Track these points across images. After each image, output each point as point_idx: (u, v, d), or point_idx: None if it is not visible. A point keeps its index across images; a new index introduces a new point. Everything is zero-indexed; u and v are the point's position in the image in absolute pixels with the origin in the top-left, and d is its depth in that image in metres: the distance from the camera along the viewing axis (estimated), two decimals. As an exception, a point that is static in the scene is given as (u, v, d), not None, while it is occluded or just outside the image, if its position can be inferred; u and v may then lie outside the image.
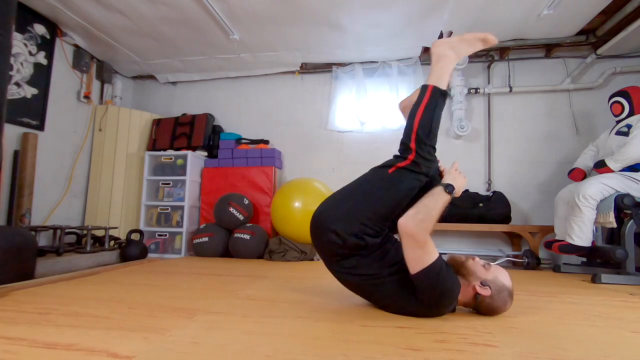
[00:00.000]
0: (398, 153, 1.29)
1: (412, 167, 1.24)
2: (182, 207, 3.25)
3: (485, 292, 1.17)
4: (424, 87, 1.29)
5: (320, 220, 1.26)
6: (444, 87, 1.28)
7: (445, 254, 3.07)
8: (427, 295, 1.12)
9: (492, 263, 1.26)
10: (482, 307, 1.21)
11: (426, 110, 1.25)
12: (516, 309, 1.39)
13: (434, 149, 1.27)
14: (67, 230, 2.67)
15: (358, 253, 1.22)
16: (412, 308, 1.19)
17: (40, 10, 2.78)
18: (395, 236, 1.26)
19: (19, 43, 2.70)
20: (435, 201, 1.16)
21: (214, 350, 0.87)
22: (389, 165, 1.28)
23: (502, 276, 1.22)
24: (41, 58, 2.90)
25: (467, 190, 3.13)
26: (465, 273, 1.21)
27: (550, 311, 1.37)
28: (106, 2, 2.59)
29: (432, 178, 1.30)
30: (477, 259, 1.27)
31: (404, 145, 1.27)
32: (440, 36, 3.05)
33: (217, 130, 3.63)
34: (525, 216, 3.22)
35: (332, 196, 1.34)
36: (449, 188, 1.19)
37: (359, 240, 1.19)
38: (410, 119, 1.28)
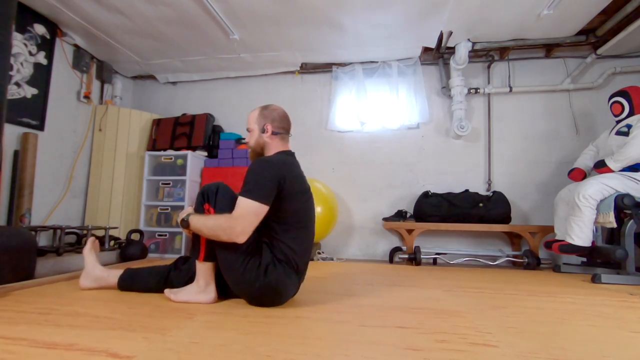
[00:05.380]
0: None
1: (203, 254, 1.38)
2: (182, 207, 3.25)
3: (269, 128, 1.43)
4: None
5: None
6: None
7: (445, 253, 3.07)
8: (252, 176, 1.29)
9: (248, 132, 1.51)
10: (284, 128, 1.45)
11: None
12: (516, 308, 1.39)
13: None
14: (67, 230, 2.66)
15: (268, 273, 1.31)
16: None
17: (40, 10, 2.78)
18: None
19: (19, 43, 2.70)
20: (201, 232, 1.29)
21: (214, 350, 0.87)
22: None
23: (252, 114, 1.48)
24: (41, 58, 2.89)
25: (467, 190, 3.13)
26: (262, 144, 1.44)
27: (550, 311, 1.37)
28: (106, 2, 2.59)
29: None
30: (248, 142, 1.50)
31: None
32: (440, 36, 3.06)
33: (217, 130, 3.63)
34: (525, 216, 3.22)
35: None
36: (184, 225, 1.31)
37: (265, 265, 1.30)
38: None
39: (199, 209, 1.37)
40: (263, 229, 1.31)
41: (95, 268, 1.57)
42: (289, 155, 1.43)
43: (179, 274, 1.50)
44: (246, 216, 1.23)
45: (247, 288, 1.29)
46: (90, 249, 1.60)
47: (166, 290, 1.43)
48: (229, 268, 1.30)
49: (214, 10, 2.63)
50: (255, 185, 1.26)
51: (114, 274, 1.55)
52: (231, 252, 1.27)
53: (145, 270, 1.57)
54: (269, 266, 1.27)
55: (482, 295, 1.66)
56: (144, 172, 3.35)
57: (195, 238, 1.36)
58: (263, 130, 1.43)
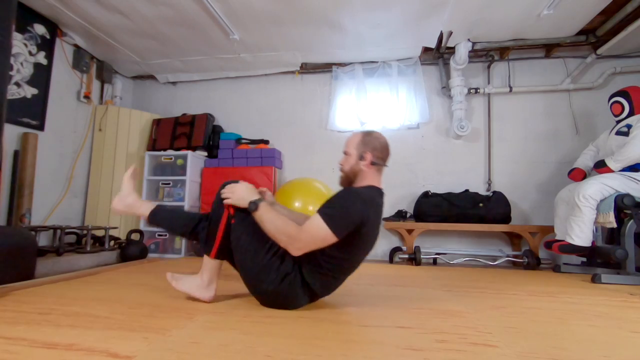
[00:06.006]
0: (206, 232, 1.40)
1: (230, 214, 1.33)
2: (182, 207, 3.25)
3: (368, 157, 1.32)
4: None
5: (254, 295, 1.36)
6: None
7: (445, 253, 3.06)
8: (349, 212, 1.19)
9: (344, 154, 1.41)
10: (384, 159, 1.36)
11: (162, 219, 1.51)
12: (516, 308, 1.39)
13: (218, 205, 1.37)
14: (67, 230, 2.67)
15: (288, 275, 1.26)
16: (364, 239, 1.25)
17: (40, 10, 2.78)
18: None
19: (19, 43, 2.70)
20: (268, 223, 1.21)
21: (214, 350, 0.87)
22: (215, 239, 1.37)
23: (351, 140, 1.38)
24: (41, 58, 2.90)
25: (467, 190, 3.13)
26: (357, 171, 1.34)
27: (550, 311, 1.37)
28: (106, 2, 2.59)
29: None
30: (342, 166, 1.41)
31: (204, 230, 1.41)
32: (440, 36, 3.06)
33: (217, 130, 3.63)
34: (525, 216, 3.22)
35: None
36: (252, 207, 1.24)
37: (277, 281, 1.25)
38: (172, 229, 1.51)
39: (219, 204, 1.34)
40: None
41: (130, 195, 1.54)
42: (379, 195, 1.33)
43: (207, 227, 1.42)
44: (314, 236, 1.17)
45: (258, 287, 1.28)
46: (131, 175, 1.57)
47: (168, 274, 1.42)
48: (246, 261, 1.27)
49: (214, 10, 2.63)
50: (338, 214, 1.18)
51: (146, 206, 1.53)
52: (253, 245, 1.25)
53: (179, 211, 1.56)
54: (288, 276, 1.24)
55: (482, 295, 1.66)
56: (144, 172, 3.35)
57: (211, 233, 1.34)
58: (361, 158, 1.33)
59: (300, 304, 1.32)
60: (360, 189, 1.28)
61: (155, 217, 1.51)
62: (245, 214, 1.28)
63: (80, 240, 2.86)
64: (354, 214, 1.18)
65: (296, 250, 1.19)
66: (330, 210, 1.19)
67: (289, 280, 1.25)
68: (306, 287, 1.28)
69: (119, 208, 1.54)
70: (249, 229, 1.28)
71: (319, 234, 1.17)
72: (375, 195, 1.29)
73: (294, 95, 3.74)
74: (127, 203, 1.53)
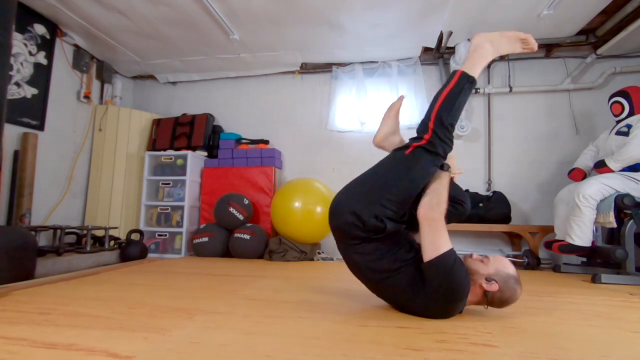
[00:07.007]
0: (416, 134, 1.29)
1: (428, 146, 1.23)
2: (182, 207, 3.25)
3: (492, 287, 1.16)
4: (454, 72, 1.30)
5: (339, 202, 1.27)
6: (474, 74, 1.28)
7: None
8: (437, 286, 1.11)
9: (489, 255, 1.26)
10: (494, 303, 1.20)
11: (451, 93, 1.26)
12: (516, 309, 1.39)
13: (451, 132, 1.26)
14: (67, 230, 2.67)
15: (376, 238, 1.21)
16: (420, 302, 1.19)
17: (40, 10, 2.78)
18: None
19: (19, 43, 2.70)
20: (441, 184, 1.20)
21: (214, 350, 0.87)
22: (406, 146, 1.29)
23: (503, 265, 1.21)
24: (41, 58, 2.90)
25: (467, 190, 3.13)
26: (473, 277, 1.19)
27: (550, 311, 1.37)
28: (106, 2, 2.59)
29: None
30: (474, 255, 1.27)
31: (423, 125, 1.27)
32: (440, 36, 3.06)
33: (217, 130, 3.63)
34: (525, 216, 3.22)
35: (352, 181, 1.34)
36: (446, 166, 1.21)
37: (379, 222, 1.18)
38: (433, 100, 1.28)
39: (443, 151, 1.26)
40: (409, 255, 1.21)
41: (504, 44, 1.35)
42: (458, 309, 1.24)
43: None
44: (436, 233, 1.15)
45: (361, 206, 1.21)
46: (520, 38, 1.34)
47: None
48: (381, 180, 1.23)
49: (214, 10, 2.63)
50: (450, 274, 1.11)
51: (480, 68, 1.32)
52: (398, 182, 1.21)
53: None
54: (391, 229, 1.20)
55: (482, 295, 1.66)
56: (144, 172, 3.35)
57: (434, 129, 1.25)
58: (489, 280, 1.18)
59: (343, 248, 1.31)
60: (467, 296, 1.18)
61: (467, 84, 1.29)
62: (423, 162, 1.23)
63: (80, 240, 2.86)
64: (444, 293, 1.13)
65: (423, 210, 1.17)
66: (457, 268, 1.13)
67: (383, 227, 1.19)
68: (379, 236, 1.21)
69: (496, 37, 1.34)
70: (413, 168, 1.22)
71: (440, 236, 1.14)
72: (460, 307, 1.21)
73: (294, 95, 3.74)
74: (509, 40, 1.32)
